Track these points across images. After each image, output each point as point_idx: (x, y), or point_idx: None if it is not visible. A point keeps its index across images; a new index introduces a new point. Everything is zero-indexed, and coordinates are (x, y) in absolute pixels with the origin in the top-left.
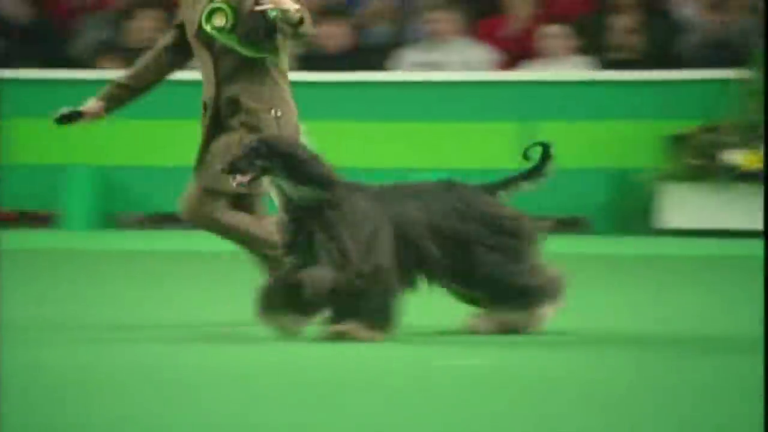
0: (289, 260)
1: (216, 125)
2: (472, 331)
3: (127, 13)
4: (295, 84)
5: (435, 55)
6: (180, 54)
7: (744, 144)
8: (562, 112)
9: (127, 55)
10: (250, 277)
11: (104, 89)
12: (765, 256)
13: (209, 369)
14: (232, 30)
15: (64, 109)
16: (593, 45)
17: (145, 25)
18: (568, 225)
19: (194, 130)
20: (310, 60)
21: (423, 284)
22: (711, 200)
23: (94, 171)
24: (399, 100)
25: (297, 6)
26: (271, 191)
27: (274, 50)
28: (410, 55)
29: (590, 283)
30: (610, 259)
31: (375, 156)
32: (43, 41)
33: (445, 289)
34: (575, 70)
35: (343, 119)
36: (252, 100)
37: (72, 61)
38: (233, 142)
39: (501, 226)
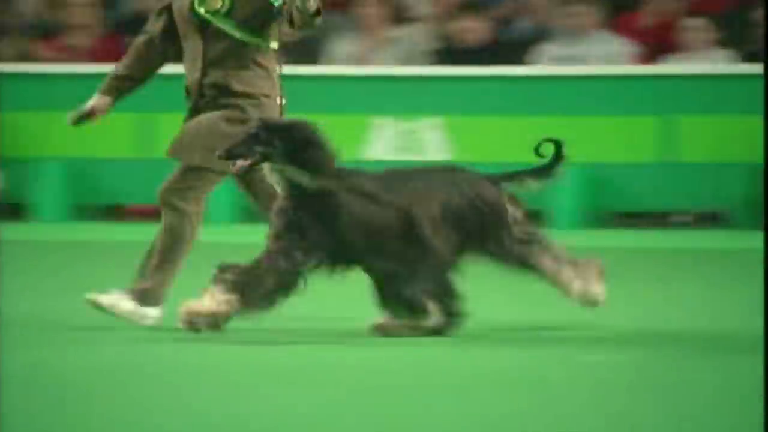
0: (275, 246)
1: (197, 110)
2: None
3: None
4: (433, 78)
5: (575, 49)
6: (169, 40)
7: None
8: (702, 106)
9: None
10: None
11: (104, 83)
12: (765, 255)
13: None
14: (228, 14)
15: (74, 113)
16: (734, 38)
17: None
18: (708, 220)
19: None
20: (450, 54)
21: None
22: None
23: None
24: (538, 93)
25: None
26: (271, 177)
27: (266, 36)
28: (550, 49)
29: (734, 278)
30: (751, 253)
31: (515, 150)
32: None
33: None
34: (716, 63)
35: (482, 114)
36: (240, 84)
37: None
38: (209, 119)
39: (481, 213)
